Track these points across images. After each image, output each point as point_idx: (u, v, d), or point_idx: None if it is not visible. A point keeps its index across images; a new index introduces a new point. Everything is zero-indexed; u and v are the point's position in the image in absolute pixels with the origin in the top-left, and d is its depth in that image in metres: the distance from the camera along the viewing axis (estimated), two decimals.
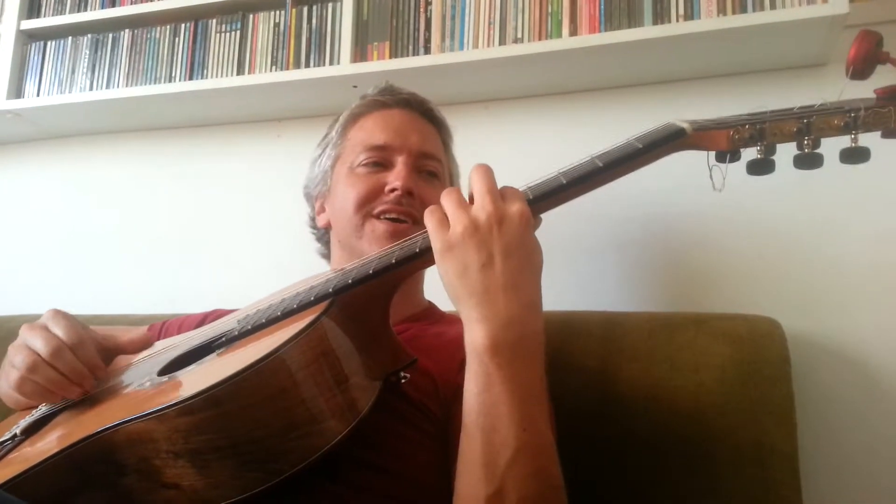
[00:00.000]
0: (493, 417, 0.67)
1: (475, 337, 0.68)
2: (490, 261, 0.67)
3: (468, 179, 0.74)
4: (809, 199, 1.29)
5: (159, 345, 0.98)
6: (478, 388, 0.68)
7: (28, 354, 0.81)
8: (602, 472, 1.02)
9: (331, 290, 0.77)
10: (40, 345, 0.80)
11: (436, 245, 0.71)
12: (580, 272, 1.41)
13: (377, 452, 0.79)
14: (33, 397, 0.83)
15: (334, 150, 1.12)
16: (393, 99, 1.12)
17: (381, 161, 1.05)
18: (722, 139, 0.70)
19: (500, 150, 1.50)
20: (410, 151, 1.05)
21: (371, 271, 0.76)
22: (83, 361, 0.81)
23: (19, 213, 1.94)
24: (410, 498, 0.80)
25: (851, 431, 1.19)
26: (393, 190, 1.01)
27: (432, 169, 1.08)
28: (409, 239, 0.79)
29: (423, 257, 0.75)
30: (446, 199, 0.73)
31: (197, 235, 1.75)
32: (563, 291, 1.40)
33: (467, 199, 0.74)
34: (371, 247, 0.98)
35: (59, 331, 0.82)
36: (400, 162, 1.04)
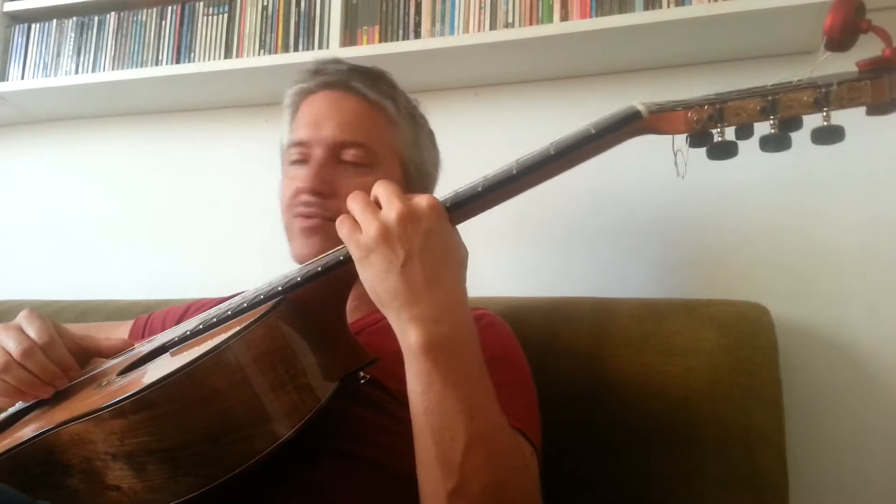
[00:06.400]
0: (440, 414, 0.66)
1: (408, 338, 0.67)
2: (409, 260, 0.66)
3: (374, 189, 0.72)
4: (798, 186, 1.29)
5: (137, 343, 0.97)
6: (421, 387, 0.67)
7: (1, 355, 0.81)
8: (590, 456, 1.02)
9: (280, 288, 0.76)
10: (12, 345, 0.80)
11: (354, 254, 0.70)
12: (571, 259, 1.40)
13: (354, 443, 0.78)
14: (5, 396, 0.83)
15: (281, 149, 1.09)
16: (315, 82, 1.03)
17: (304, 158, 0.99)
18: (679, 121, 0.65)
19: (490, 137, 1.49)
20: (324, 144, 0.97)
21: (320, 268, 0.75)
22: (55, 361, 0.81)
23: (3, 198, 1.92)
24: (389, 485, 0.79)
25: (838, 417, 1.20)
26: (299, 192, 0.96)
27: (351, 158, 0.97)
28: None
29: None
30: (352, 204, 0.71)
31: (184, 220, 1.73)
32: (554, 278, 1.40)
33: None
34: (298, 247, 0.97)
35: (31, 331, 0.82)
36: (312, 159, 0.97)
